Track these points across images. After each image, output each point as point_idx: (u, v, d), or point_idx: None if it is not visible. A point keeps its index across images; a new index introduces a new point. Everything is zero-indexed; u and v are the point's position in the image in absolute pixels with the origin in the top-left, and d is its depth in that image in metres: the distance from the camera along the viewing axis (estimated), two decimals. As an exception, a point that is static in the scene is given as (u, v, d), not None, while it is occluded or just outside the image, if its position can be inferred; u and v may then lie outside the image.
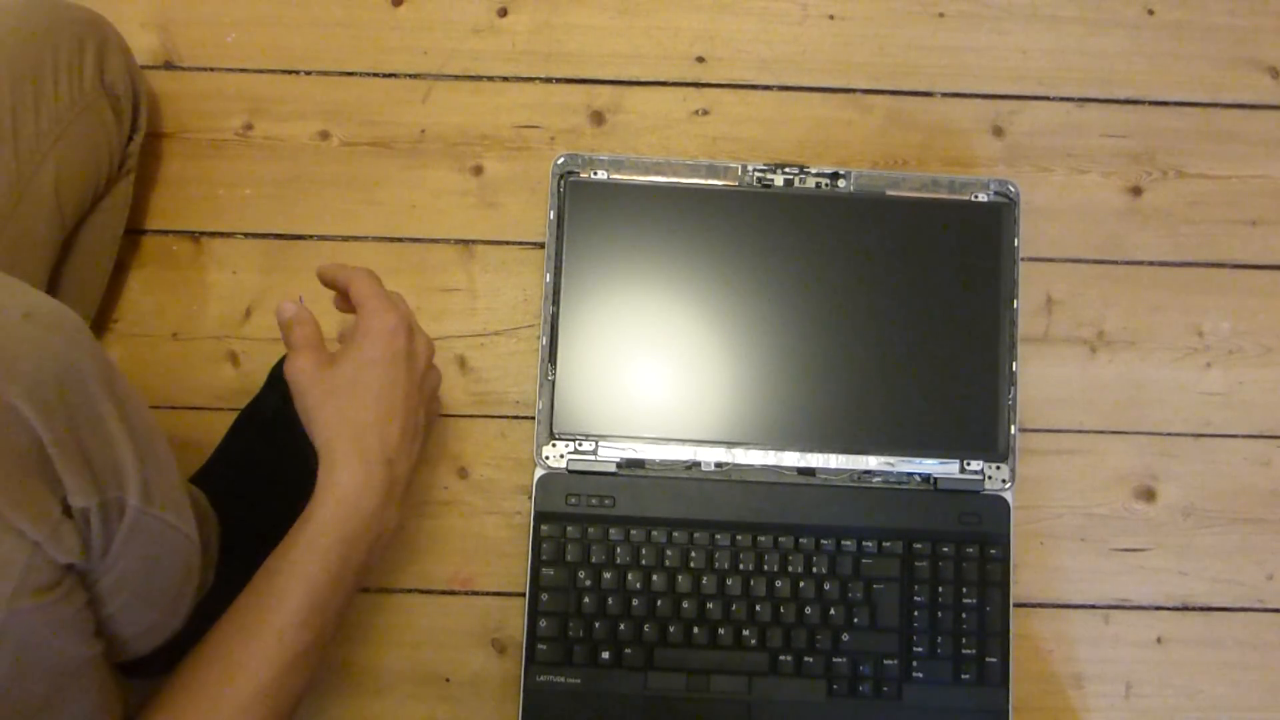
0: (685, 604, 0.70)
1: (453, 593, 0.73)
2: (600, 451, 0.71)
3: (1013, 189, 0.74)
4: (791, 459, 0.71)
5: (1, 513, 0.40)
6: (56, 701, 0.46)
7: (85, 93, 0.65)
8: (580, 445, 0.71)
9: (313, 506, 0.55)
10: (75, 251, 0.68)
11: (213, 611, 0.67)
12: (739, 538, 0.70)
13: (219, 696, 0.52)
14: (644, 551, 0.70)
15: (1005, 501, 0.72)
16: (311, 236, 0.76)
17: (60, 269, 0.66)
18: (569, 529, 0.70)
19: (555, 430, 0.71)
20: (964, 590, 0.70)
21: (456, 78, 0.78)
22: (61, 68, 0.64)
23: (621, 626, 0.69)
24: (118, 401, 0.46)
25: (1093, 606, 0.74)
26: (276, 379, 0.73)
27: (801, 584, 0.70)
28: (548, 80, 0.79)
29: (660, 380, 0.71)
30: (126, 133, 0.70)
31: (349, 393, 0.57)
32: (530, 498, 0.71)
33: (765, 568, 0.70)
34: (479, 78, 0.78)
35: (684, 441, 0.71)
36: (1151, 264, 0.78)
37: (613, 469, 0.71)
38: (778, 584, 0.70)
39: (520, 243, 0.76)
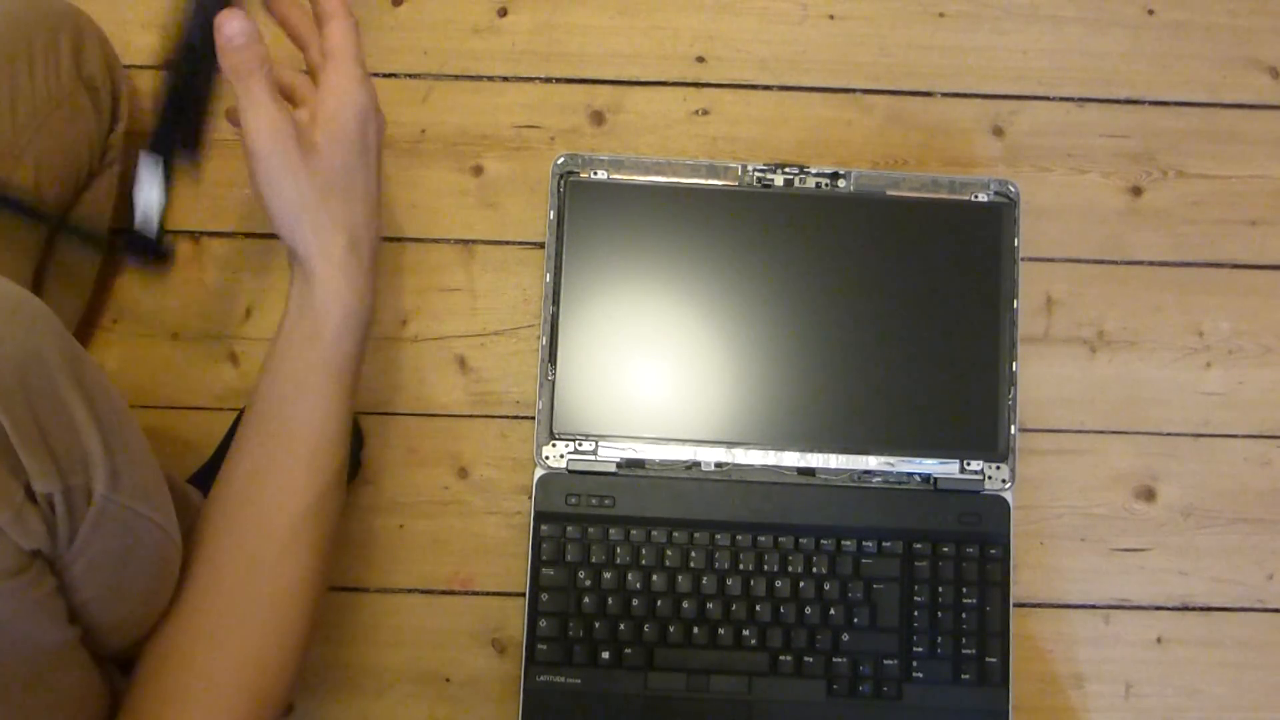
0: (685, 604, 0.70)
1: (453, 593, 0.73)
2: (600, 451, 0.71)
3: (1013, 189, 0.74)
4: (791, 459, 0.71)
5: None
6: (35, 685, 0.46)
7: (62, 85, 0.64)
8: (580, 445, 0.71)
9: (317, 321, 0.52)
10: (59, 247, 0.67)
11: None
12: (739, 538, 0.70)
13: (268, 522, 0.52)
14: (644, 551, 0.70)
15: (1005, 501, 0.72)
16: (311, 236, 0.76)
17: (44, 264, 0.65)
18: (569, 529, 0.70)
19: (555, 430, 0.71)
20: (964, 590, 0.70)
21: (456, 78, 0.78)
22: (37, 60, 0.63)
23: (621, 626, 0.69)
24: (84, 389, 0.46)
25: (1093, 606, 0.74)
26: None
27: (801, 584, 0.70)
28: (548, 80, 0.79)
29: (660, 380, 0.71)
30: (107, 125, 0.69)
31: (343, 189, 0.51)
32: (530, 498, 0.71)
33: (765, 568, 0.70)
34: (479, 78, 0.78)
35: (684, 441, 0.71)
36: (1151, 264, 0.78)
37: (613, 469, 0.71)
38: (778, 584, 0.70)
39: (520, 243, 0.76)
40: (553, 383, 0.71)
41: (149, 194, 0.52)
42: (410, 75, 0.78)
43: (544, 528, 0.70)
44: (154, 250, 0.55)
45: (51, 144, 0.63)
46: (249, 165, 0.50)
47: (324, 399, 0.53)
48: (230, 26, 0.48)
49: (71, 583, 0.48)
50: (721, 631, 0.69)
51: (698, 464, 0.71)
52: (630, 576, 0.70)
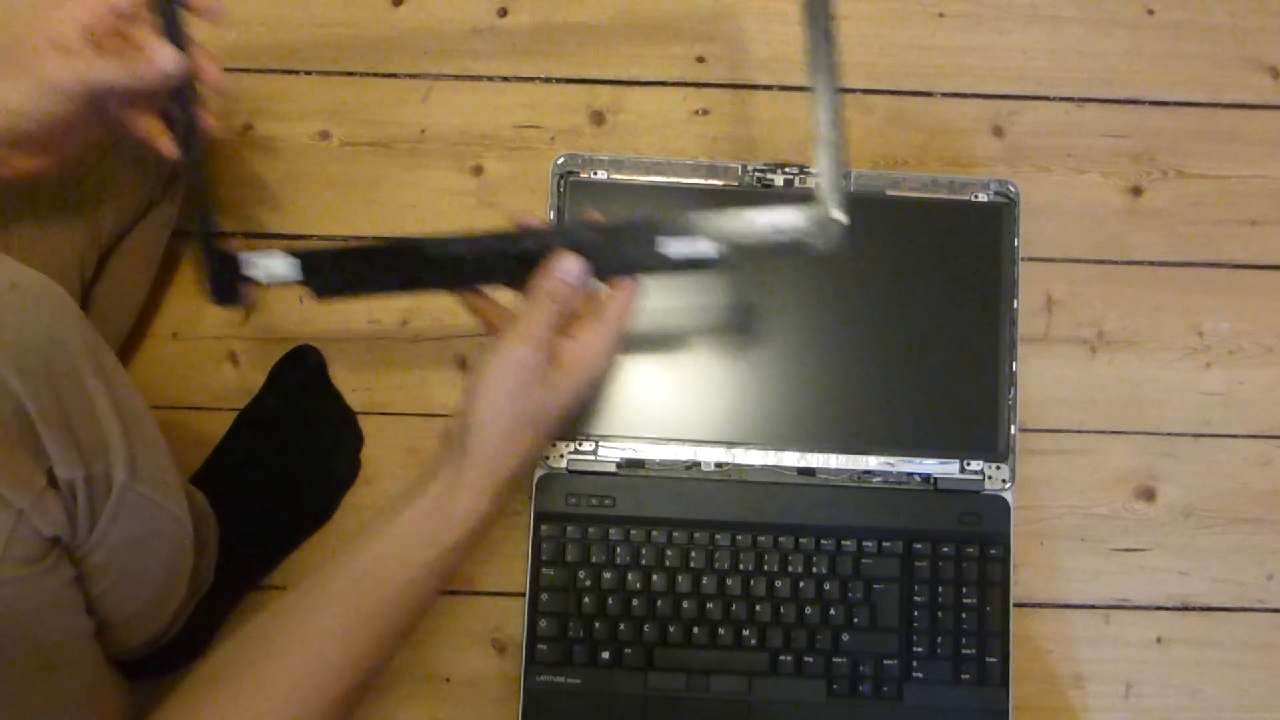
0: (685, 604, 0.70)
1: (453, 593, 0.73)
2: (600, 451, 0.71)
3: (1013, 189, 0.74)
4: (791, 459, 0.71)
5: None
6: (49, 675, 0.46)
7: None
8: (580, 445, 0.71)
9: (446, 528, 0.50)
10: (110, 269, 0.65)
11: (214, 611, 0.68)
12: (739, 538, 0.70)
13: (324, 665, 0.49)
14: (644, 551, 0.70)
15: (1005, 501, 0.72)
16: (311, 236, 0.76)
17: (93, 287, 0.64)
18: (569, 529, 0.70)
19: (555, 430, 0.71)
20: (964, 590, 0.70)
21: (456, 78, 0.78)
22: None
23: (621, 626, 0.69)
24: (104, 377, 0.46)
25: (1093, 606, 0.74)
26: (276, 379, 0.73)
27: (801, 584, 0.70)
28: (548, 80, 0.79)
29: (660, 380, 0.71)
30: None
31: (542, 427, 0.52)
32: (530, 498, 0.71)
33: (765, 568, 0.70)
34: (479, 78, 0.78)
35: (684, 441, 0.71)
36: (1151, 264, 0.78)
37: (613, 469, 0.71)
38: (778, 584, 0.70)
39: (520, 243, 0.76)
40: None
41: (276, 268, 0.55)
42: (410, 75, 0.78)
43: (544, 528, 0.70)
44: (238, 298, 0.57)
45: (117, 166, 0.63)
46: (490, 358, 0.51)
47: (420, 586, 0.50)
48: (568, 266, 0.52)
49: (90, 572, 0.48)
50: (721, 631, 0.69)
51: (698, 464, 0.71)
52: (630, 576, 0.69)
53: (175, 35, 0.53)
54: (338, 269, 0.55)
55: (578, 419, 0.53)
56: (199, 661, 0.49)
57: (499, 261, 0.53)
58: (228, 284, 0.55)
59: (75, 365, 0.45)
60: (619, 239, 0.53)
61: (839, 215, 0.52)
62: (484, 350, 0.52)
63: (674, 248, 0.53)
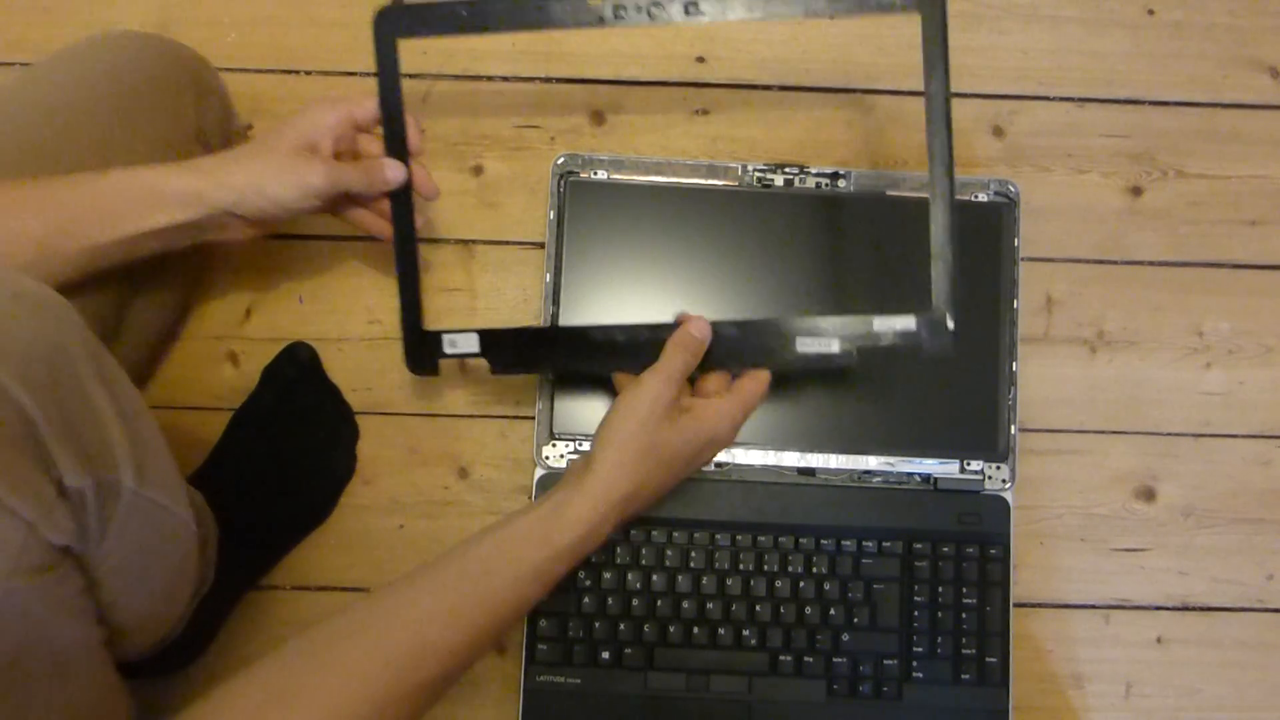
0: (685, 604, 0.70)
1: (453, 593, 0.73)
2: (600, 451, 0.71)
3: (1013, 189, 0.74)
4: (791, 459, 0.71)
5: None
6: (60, 684, 0.46)
7: (181, 135, 0.65)
8: (580, 445, 0.71)
9: (559, 531, 0.53)
10: (141, 295, 0.66)
11: (214, 611, 0.68)
12: (739, 538, 0.70)
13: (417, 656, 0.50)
14: (644, 551, 0.70)
15: (1005, 501, 0.72)
16: (311, 236, 0.76)
17: (125, 311, 0.64)
18: (569, 529, 0.70)
19: (555, 430, 0.71)
20: (964, 590, 0.70)
21: (456, 78, 0.78)
22: (161, 110, 0.64)
23: (621, 626, 0.69)
24: (106, 384, 0.46)
25: (1093, 606, 0.74)
26: (271, 378, 0.73)
27: (801, 584, 0.70)
28: (548, 80, 0.79)
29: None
30: None
31: (668, 461, 0.56)
32: (530, 498, 0.71)
33: (765, 568, 0.70)
34: (479, 77, 0.78)
35: (684, 441, 0.71)
36: (1151, 264, 0.78)
37: (613, 469, 0.71)
38: (778, 584, 0.70)
39: (520, 243, 0.76)
40: (552, 383, 0.71)
41: (465, 344, 0.64)
42: (410, 75, 0.78)
43: (544, 528, 0.70)
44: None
45: None
46: (628, 390, 0.57)
47: (524, 586, 0.53)
48: (700, 328, 0.59)
49: (100, 580, 0.48)
50: (721, 631, 0.69)
51: (698, 464, 0.71)
52: (630, 576, 0.69)
53: (400, 150, 0.63)
54: (513, 347, 0.64)
55: (674, 489, 0.60)
56: (300, 629, 0.50)
57: (651, 347, 0.60)
58: (428, 359, 0.64)
59: (79, 372, 0.45)
60: (761, 335, 0.61)
61: (950, 324, 0.61)
62: (624, 387, 0.58)
63: (808, 346, 0.61)
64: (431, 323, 0.75)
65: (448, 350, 0.64)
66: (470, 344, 0.64)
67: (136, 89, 0.63)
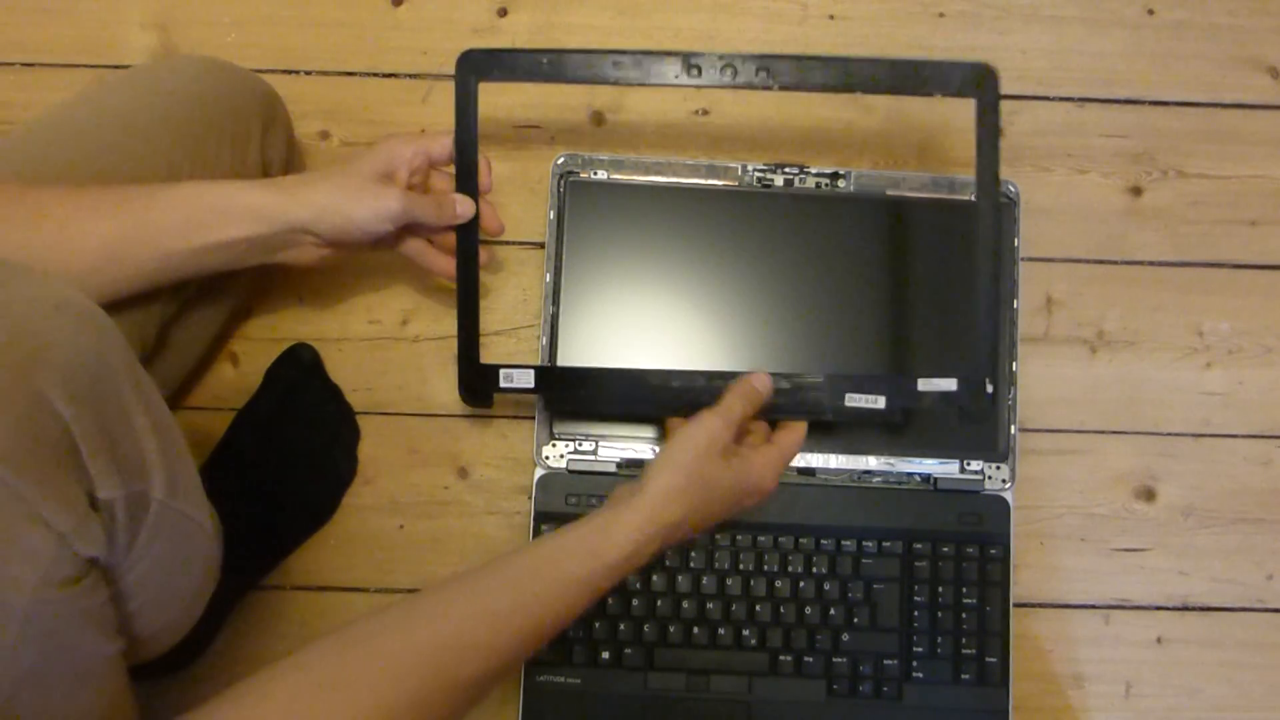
0: (685, 604, 0.70)
1: (453, 593, 0.73)
2: (600, 451, 0.71)
3: (1013, 189, 0.73)
4: (791, 459, 0.71)
5: (30, 502, 0.40)
6: (80, 693, 0.46)
7: (246, 164, 0.65)
8: (580, 445, 0.71)
9: (606, 547, 0.53)
10: (183, 317, 0.66)
11: (214, 611, 0.67)
12: (739, 538, 0.70)
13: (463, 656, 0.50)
14: (644, 551, 0.70)
15: (1005, 501, 0.72)
16: (311, 236, 0.76)
17: (166, 332, 0.64)
18: (569, 529, 0.70)
19: (555, 430, 0.71)
20: (964, 590, 0.70)
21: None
22: (226, 138, 0.64)
23: (621, 626, 0.69)
24: (142, 396, 0.46)
25: (1093, 606, 0.74)
26: (273, 379, 0.73)
27: (801, 584, 0.70)
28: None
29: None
30: None
31: (717, 499, 0.57)
32: (530, 498, 0.71)
33: (765, 568, 0.70)
34: (479, 78, 0.78)
35: (684, 441, 0.71)
36: (1151, 264, 0.78)
37: (613, 469, 0.71)
38: (778, 584, 0.70)
39: (520, 243, 0.76)
40: (553, 383, 0.71)
41: (521, 380, 0.66)
42: (410, 75, 0.78)
43: (544, 527, 0.70)
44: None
45: None
46: (689, 424, 0.57)
47: (570, 595, 0.53)
48: (764, 383, 0.61)
49: (125, 591, 0.48)
50: (721, 631, 0.69)
51: (698, 464, 0.71)
52: (630, 576, 0.69)
53: (471, 187, 0.64)
54: (569, 385, 0.66)
55: (721, 525, 0.62)
56: (351, 619, 0.50)
57: (707, 394, 0.62)
58: (484, 392, 0.66)
59: (118, 385, 0.45)
60: (814, 389, 0.64)
61: (989, 388, 0.64)
62: (675, 429, 0.60)
63: (856, 402, 0.64)
64: (432, 322, 0.75)
65: (504, 385, 0.65)
66: (526, 380, 0.65)
67: (206, 115, 0.63)
